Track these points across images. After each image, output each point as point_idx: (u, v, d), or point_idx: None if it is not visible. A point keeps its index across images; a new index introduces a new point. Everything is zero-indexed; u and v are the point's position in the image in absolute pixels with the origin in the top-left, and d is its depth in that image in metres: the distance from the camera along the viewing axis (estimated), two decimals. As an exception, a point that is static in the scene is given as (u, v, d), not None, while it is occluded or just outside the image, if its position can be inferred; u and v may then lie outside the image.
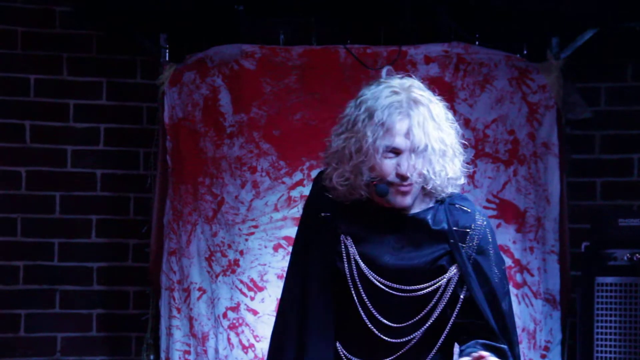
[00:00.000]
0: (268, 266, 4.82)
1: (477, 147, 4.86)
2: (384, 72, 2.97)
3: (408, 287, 2.91)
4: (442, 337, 2.95)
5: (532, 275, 4.87)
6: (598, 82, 5.36)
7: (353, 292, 2.92)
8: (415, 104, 2.87)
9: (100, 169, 5.48)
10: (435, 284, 2.92)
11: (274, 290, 4.79)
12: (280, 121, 4.88)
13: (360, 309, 2.93)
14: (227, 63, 4.92)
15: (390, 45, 4.88)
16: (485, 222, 2.97)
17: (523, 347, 4.78)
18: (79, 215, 5.44)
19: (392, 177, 2.87)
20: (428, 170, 2.88)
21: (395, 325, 2.92)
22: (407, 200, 2.89)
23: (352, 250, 2.93)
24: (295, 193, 4.85)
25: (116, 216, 5.49)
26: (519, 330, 4.51)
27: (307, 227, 3.03)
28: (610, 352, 4.63)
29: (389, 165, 2.86)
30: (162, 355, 5.02)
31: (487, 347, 2.90)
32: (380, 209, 2.93)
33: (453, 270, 2.92)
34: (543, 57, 4.97)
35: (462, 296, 2.93)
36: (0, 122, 5.36)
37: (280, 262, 4.81)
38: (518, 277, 4.85)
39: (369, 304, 2.92)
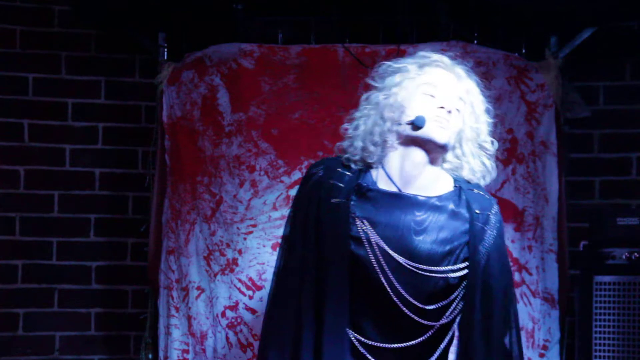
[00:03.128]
0: (266, 265, 4.82)
1: (476, 146, 4.86)
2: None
3: (437, 268, 2.90)
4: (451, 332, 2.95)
5: (530, 274, 4.87)
6: (597, 80, 5.36)
7: (381, 275, 2.89)
8: (460, 77, 3.05)
9: (98, 168, 5.48)
10: (462, 268, 2.91)
11: (273, 289, 4.79)
12: (278, 120, 4.88)
13: (390, 291, 2.89)
14: (226, 62, 4.92)
15: (389, 44, 4.88)
16: (499, 212, 2.99)
17: (522, 346, 4.77)
18: (77, 214, 5.45)
19: (432, 112, 2.94)
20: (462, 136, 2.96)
21: (426, 307, 2.90)
22: (445, 135, 2.93)
23: (372, 234, 2.90)
24: (293, 192, 4.81)
25: (115, 215, 5.49)
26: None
27: (317, 215, 2.99)
28: (609, 350, 4.63)
29: (426, 103, 2.96)
30: (161, 354, 5.02)
31: None
32: (396, 194, 2.91)
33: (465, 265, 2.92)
34: (542, 56, 4.97)
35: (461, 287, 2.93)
36: (-1, 121, 5.38)
37: (279, 261, 4.81)
38: (517, 276, 4.85)
39: (398, 286, 2.89)
